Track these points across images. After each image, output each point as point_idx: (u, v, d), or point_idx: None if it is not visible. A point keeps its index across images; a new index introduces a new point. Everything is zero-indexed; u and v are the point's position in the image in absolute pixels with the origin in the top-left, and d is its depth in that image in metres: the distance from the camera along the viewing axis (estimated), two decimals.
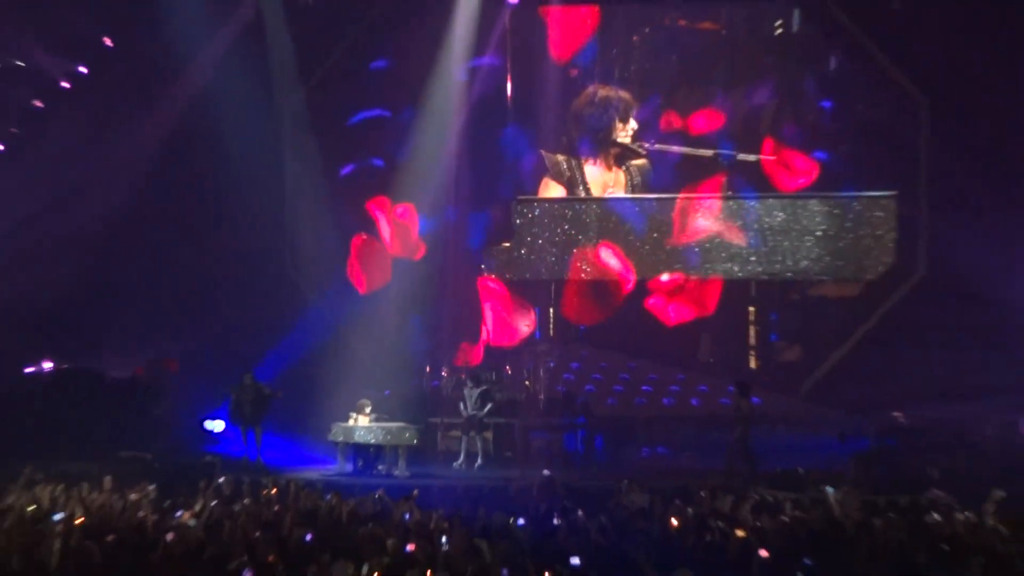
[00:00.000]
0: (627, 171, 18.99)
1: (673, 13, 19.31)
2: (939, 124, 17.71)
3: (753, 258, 18.64)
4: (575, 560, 7.80)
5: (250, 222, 18.24)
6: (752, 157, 18.43)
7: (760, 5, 19.25)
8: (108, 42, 18.34)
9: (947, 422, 15.24)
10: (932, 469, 12.78)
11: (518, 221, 19.13)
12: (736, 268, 18.70)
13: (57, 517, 9.30)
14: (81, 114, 17.71)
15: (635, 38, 19.49)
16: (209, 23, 17.74)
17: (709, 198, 18.71)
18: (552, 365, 18.24)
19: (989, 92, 16.77)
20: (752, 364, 19.37)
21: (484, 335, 18.57)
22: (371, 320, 18.46)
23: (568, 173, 19.10)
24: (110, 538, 8.53)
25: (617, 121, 18.68)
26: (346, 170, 19.41)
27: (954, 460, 13.45)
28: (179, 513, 9.86)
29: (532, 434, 16.31)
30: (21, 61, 17.75)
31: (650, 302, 18.66)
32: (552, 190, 19.21)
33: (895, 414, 15.83)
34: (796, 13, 19.00)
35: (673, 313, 18.60)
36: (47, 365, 17.67)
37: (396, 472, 14.48)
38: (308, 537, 8.74)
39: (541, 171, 19.21)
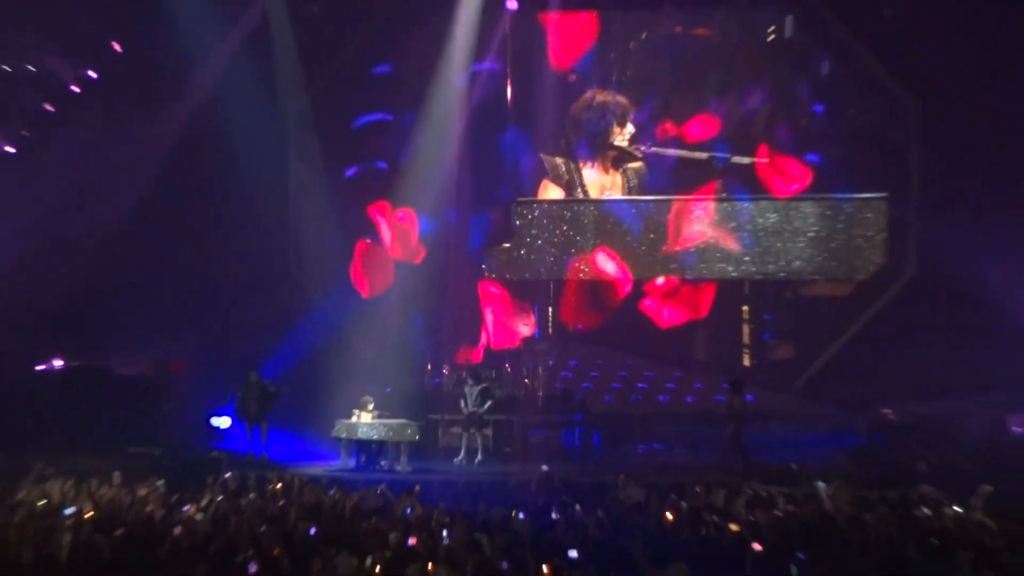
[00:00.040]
0: (624, 174, 19.11)
1: (669, 20, 19.31)
2: (929, 128, 17.80)
3: (747, 258, 18.75)
4: (573, 553, 7.79)
5: (255, 223, 18.25)
6: (746, 160, 18.56)
7: (754, 12, 19.26)
8: (117, 47, 18.39)
9: (936, 419, 15.27)
10: (921, 465, 12.90)
11: (518, 222, 19.22)
12: (730, 268, 18.82)
13: (68, 511, 9.35)
14: (90, 117, 17.67)
15: (632, 44, 19.56)
16: (216, 29, 17.71)
17: (704, 200, 18.80)
18: (551, 363, 18.29)
19: (978, 97, 16.89)
20: (746, 362, 19.50)
21: (484, 339, 18.69)
22: (374, 319, 18.51)
23: (566, 176, 19.23)
24: (119, 532, 8.60)
25: (615, 125, 18.82)
26: (350, 172, 19.49)
27: (943, 456, 13.54)
28: (186, 507, 9.90)
29: (531, 430, 16.34)
30: (32, 66, 17.77)
31: (644, 304, 18.82)
32: (551, 192, 19.31)
33: (885, 411, 15.78)
34: (789, 20, 19.07)
35: (667, 315, 18.81)
36: (58, 363, 17.58)
37: (398, 467, 14.53)
38: (312, 531, 8.79)
39: (540, 174, 19.35)
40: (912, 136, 18.13)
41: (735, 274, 18.90)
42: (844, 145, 18.85)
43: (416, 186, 18.71)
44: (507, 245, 19.33)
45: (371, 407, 15.17)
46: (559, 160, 19.27)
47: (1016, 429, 15.31)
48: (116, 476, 11.33)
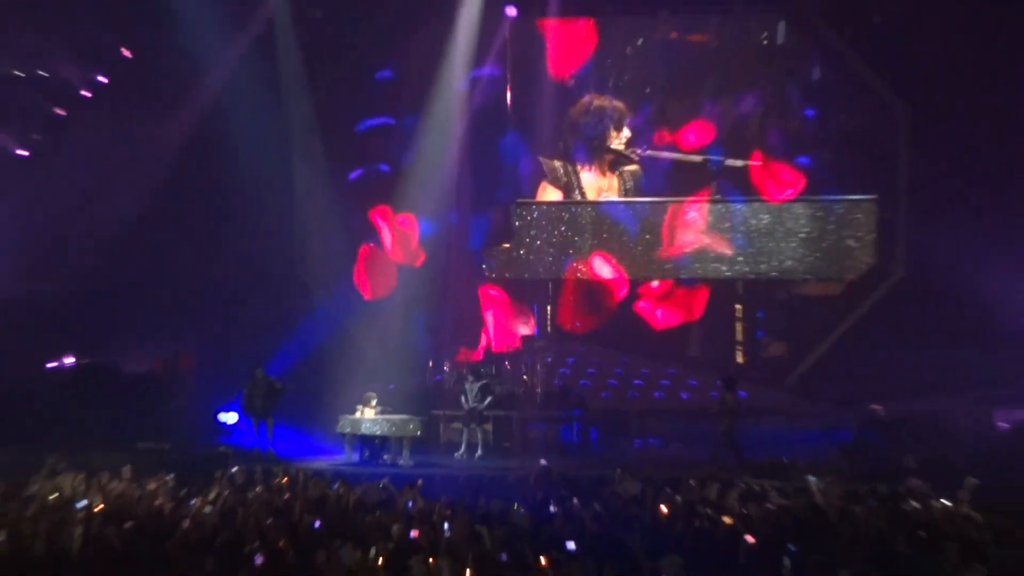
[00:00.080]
0: (620, 176, 19.31)
1: (665, 26, 19.46)
2: (918, 132, 17.95)
3: (740, 259, 18.89)
4: (571, 545, 7.95)
5: (261, 224, 18.38)
6: (740, 162, 18.66)
7: (747, 18, 19.37)
8: (126, 53, 18.54)
9: (924, 414, 15.26)
10: (910, 459, 12.94)
11: (517, 223, 19.43)
12: (724, 268, 18.99)
13: (79, 505, 9.53)
14: (100, 121, 17.85)
15: (629, 49, 19.75)
16: (222, 34, 17.78)
17: (698, 202, 18.96)
18: (549, 360, 18.23)
19: (966, 101, 17.02)
20: (739, 359, 19.56)
21: (484, 340, 18.86)
22: (376, 318, 18.65)
23: (564, 178, 19.43)
24: (129, 525, 8.76)
25: (611, 129, 19.01)
26: (354, 175, 19.62)
27: (931, 451, 13.54)
28: (194, 501, 10.07)
29: (530, 426, 16.32)
30: (44, 71, 17.94)
31: (639, 306, 18.97)
32: (549, 194, 19.50)
33: (875, 407, 15.75)
34: (782, 26, 19.23)
35: (661, 317, 18.96)
36: (68, 360, 17.76)
37: (401, 462, 14.62)
38: (317, 523, 8.92)
39: (539, 176, 19.55)
40: (901, 140, 18.26)
41: (729, 274, 19.05)
42: (835, 148, 18.97)
43: (418, 188, 18.82)
44: (507, 245, 19.54)
45: (374, 403, 15.29)
46: (557, 163, 19.45)
47: (1002, 425, 15.28)
48: (126, 470, 11.46)
